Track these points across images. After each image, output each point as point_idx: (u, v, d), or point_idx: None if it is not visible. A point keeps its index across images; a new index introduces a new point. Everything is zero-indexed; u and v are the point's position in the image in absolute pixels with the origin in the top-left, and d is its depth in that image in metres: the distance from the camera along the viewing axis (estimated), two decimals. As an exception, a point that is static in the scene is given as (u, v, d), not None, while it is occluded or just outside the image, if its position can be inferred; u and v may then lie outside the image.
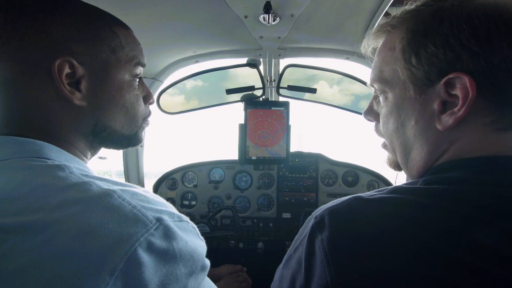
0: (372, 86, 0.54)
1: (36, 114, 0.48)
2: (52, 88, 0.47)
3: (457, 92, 0.41)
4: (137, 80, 0.58)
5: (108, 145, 0.59)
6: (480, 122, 0.42)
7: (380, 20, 1.03)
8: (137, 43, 0.58)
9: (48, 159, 0.46)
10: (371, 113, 0.57)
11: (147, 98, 0.62)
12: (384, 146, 0.57)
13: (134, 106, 0.57)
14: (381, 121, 0.54)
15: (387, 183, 1.80)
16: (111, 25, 0.53)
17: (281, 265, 0.48)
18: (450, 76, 0.41)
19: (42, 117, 0.48)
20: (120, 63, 0.54)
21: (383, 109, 0.52)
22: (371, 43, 0.55)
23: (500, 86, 0.40)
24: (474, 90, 0.39)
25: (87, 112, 0.51)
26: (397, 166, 0.55)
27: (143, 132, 0.63)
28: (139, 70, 0.58)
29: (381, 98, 0.52)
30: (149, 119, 0.63)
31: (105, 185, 0.43)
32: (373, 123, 0.59)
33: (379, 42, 0.53)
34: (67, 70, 0.47)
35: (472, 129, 0.42)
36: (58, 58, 0.46)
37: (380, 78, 0.50)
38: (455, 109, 0.41)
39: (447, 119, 0.42)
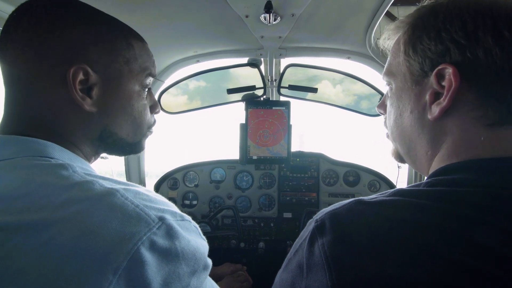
0: (384, 79, 0.57)
1: (46, 117, 0.49)
2: (65, 93, 0.48)
3: (445, 83, 0.42)
4: (146, 90, 0.60)
5: (112, 151, 0.60)
6: (470, 115, 0.42)
7: (381, 19, 1.03)
8: (150, 55, 0.59)
9: (52, 158, 0.46)
10: (382, 106, 0.60)
11: (154, 108, 0.63)
12: (387, 136, 0.60)
13: (141, 115, 0.59)
14: (386, 112, 0.57)
15: (388, 183, 1.79)
16: (128, 37, 0.55)
17: (281, 269, 0.48)
18: (439, 67, 0.43)
19: (51, 119, 0.49)
20: (132, 74, 0.55)
21: (388, 100, 0.55)
22: (387, 42, 0.57)
23: (485, 78, 0.40)
24: (457, 81, 0.41)
25: (96, 118, 0.52)
26: (399, 157, 0.58)
27: (145, 140, 0.64)
28: (149, 80, 0.59)
29: (388, 90, 0.55)
30: (153, 128, 0.64)
31: (108, 184, 0.43)
32: (382, 117, 0.62)
33: (394, 40, 0.55)
34: (81, 76, 0.48)
35: (463, 122, 0.43)
36: (74, 65, 0.47)
37: (387, 71, 0.54)
38: (441, 99, 0.43)
39: (435, 109, 0.44)
